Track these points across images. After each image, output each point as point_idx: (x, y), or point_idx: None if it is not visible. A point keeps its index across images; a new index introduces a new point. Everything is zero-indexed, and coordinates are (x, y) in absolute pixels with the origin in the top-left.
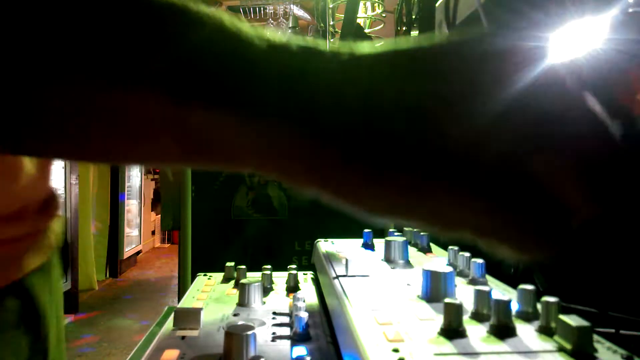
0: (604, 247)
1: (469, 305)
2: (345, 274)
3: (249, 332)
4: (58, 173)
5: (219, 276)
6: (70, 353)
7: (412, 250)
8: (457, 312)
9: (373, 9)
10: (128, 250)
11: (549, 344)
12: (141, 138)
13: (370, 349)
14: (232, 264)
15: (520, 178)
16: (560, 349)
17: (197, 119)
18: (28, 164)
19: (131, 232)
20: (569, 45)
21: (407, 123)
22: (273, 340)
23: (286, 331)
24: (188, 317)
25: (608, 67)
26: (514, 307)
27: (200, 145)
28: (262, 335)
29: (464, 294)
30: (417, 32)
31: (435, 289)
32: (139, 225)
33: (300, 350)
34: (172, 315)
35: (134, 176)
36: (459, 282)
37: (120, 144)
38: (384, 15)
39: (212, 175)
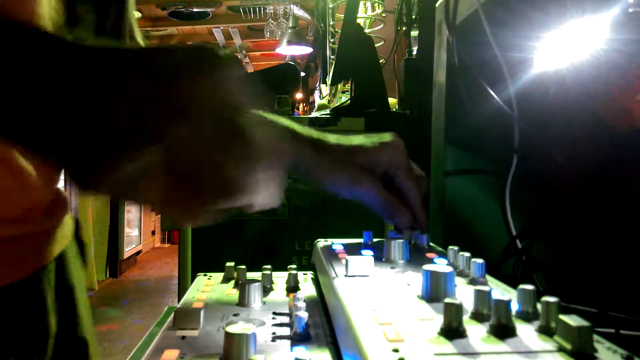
0: None
1: (469, 305)
2: (345, 274)
3: (249, 332)
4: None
5: (219, 276)
6: None
7: (412, 250)
8: (457, 312)
9: (373, 9)
10: (128, 250)
11: (549, 344)
12: None
13: (370, 349)
14: (232, 264)
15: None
16: (560, 349)
17: None
18: (30, 169)
19: (131, 232)
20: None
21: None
22: (273, 340)
23: (286, 331)
24: (188, 317)
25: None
26: (514, 307)
27: None
28: (262, 335)
29: (464, 294)
30: (417, 32)
31: (435, 289)
32: (139, 225)
33: (300, 350)
34: (172, 315)
35: None
36: (459, 282)
37: None
38: (384, 15)
39: None
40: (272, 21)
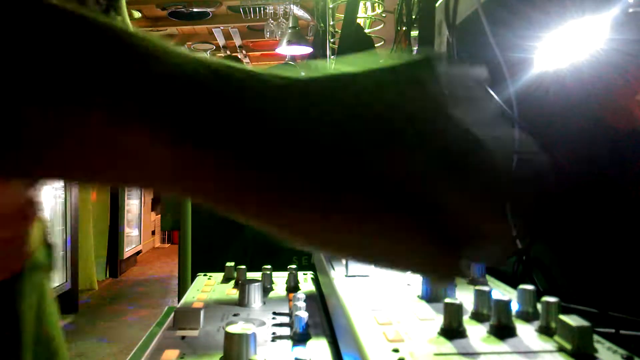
0: None
1: (469, 305)
2: (345, 274)
3: (249, 332)
4: None
5: (219, 276)
6: (70, 353)
7: None
8: (457, 312)
9: (373, 9)
10: (128, 250)
11: (549, 344)
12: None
13: (370, 349)
14: (232, 264)
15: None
16: (560, 349)
17: (132, 139)
18: None
19: (131, 232)
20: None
21: (369, 148)
22: (273, 340)
23: (286, 331)
24: (188, 317)
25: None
26: (514, 307)
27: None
28: (262, 335)
29: (464, 294)
30: (417, 32)
31: (435, 289)
32: (139, 225)
33: (300, 350)
34: (172, 315)
35: None
36: (459, 282)
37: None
38: (384, 15)
39: None
40: (272, 21)
